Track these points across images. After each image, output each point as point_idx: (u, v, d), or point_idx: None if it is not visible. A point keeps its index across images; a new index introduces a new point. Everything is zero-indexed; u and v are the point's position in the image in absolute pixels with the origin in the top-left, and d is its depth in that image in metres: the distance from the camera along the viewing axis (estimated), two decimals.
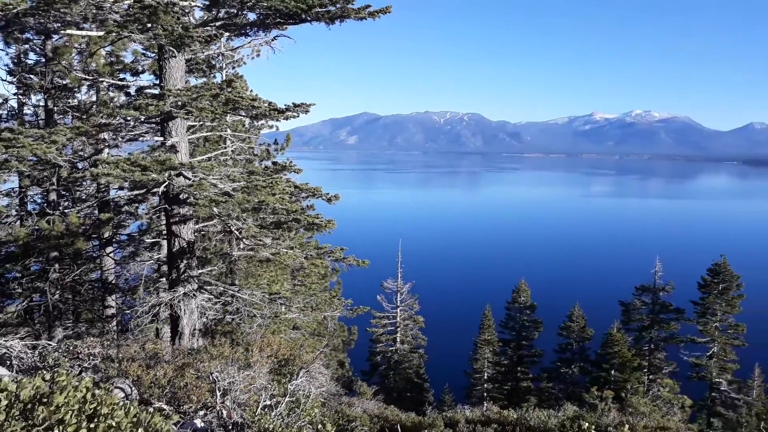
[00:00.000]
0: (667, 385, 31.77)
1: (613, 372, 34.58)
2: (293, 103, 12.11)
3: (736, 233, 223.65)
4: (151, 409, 8.76)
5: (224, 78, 17.13)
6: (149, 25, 11.52)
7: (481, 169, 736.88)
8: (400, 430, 14.62)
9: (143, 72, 17.80)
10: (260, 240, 13.07)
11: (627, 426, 7.23)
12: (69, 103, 18.37)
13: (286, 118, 12.56)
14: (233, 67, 17.67)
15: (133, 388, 8.66)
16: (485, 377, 41.18)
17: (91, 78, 16.16)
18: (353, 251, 16.74)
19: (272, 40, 13.58)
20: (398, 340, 39.84)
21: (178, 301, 13.49)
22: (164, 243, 15.96)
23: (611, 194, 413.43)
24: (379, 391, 35.53)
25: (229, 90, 11.94)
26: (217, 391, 8.69)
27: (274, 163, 14.39)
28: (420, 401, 36.56)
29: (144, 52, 17.21)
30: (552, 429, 12.23)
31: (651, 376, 35.98)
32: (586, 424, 7.22)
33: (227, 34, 13.88)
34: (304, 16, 12.04)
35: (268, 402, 9.11)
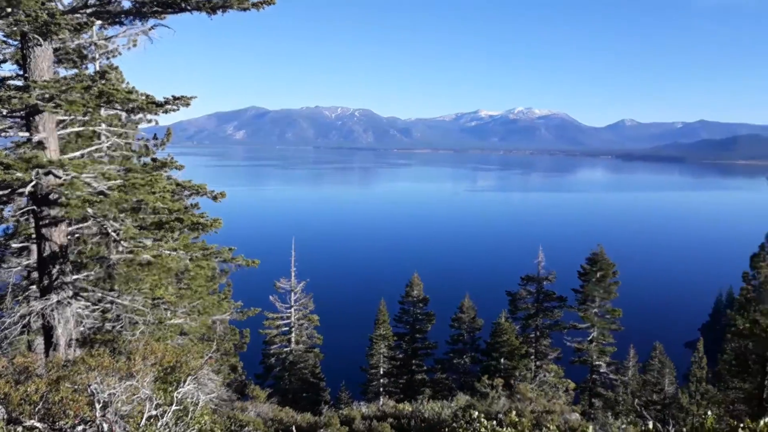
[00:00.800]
0: (553, 370, 33.48)
1: (502, 360, 35.96)
2: (173, 96, 11.46)
3: (611, 223, 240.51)
4: (20, 429, 7.96)
5: (97, 69, 15.99)
6: (8, 9, 10.50)
7: (374, 165, 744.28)
8: (295, 431, 14.32)
9: (5, 61, 16.28)
10: (140, 242, 12.30)
11: (514, 412, 7.41)
12: None
13: (166, 112, 11.87)
14: (107, 58, 16.53)
15: (0, 407, 7.90)
16: (381, 372, 41.53)
17: None
18: (243, 251, 16.19)
19: (150, 30, 12.79)
20: (293, 340, 39.28)
21: (52, 310, 12.47)
22: (34, 248, 14.80)
23: (497, 188, 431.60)
24: (274, 394, 34.85)
25: (103, 82, 11.12)
26: (97, 404, 8.10)
27: (154, 160, 13.59)
28: (316, 401, 36.24)
29: (5, 39, 15.73)
30: (445, 419, 12.43)
31: (538, 362, 37.77)
32: (476, 413, 7.34)
33: (100, 22, 12.91)
34: (183, 4, 11.43)
35: (154, 412, 8.58)
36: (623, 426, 12.65)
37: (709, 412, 7.27)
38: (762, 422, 6.54)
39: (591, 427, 8.07)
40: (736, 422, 6.88)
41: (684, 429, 7.12)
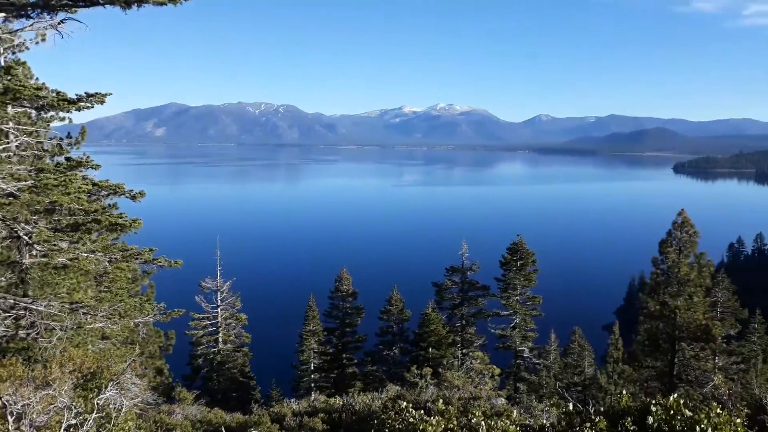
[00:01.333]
0: (478, 357, 34.34)
1: (430, 350, 36.59)
2: (86, 93, 10.99)
3: (531, 214, 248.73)
4: None
5: (2, 65, 15.09)
6: None
7: (299, 161, 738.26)
8: (224, 431, 14.11)
9: None
10: (55, 245, 11.73)
11: (441, 401, 7.62)
12: None
13: (79, 110, 11.37)
14: (13, 53, 15.62)
15: None
16: (312, 368, 41.39)
17: None
18: (165, 251, 15.74)
19: (59, 24, 12.18)
20: (221, 340, 38.52)
21: None
22: None
23: (422, 183, 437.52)
24: (203, 395, 34.10)
25: (9, 78, 10.54)
26: (9, 417, 7.71)
27: (68, 159, 12.98)
28: (247, 400, 35.72)
29: None
30: (375, 411, 12.59)
31: (464, 350, 38.68)
32: (404, 403, 7.50)
33: (3, 14, 12.20)
34: None
35: (73, 421, 8.27)
36: (546, 408, 13.20)
37: (624, 391, 7.72)
38: (671, 398, 7.00)
39: (515, 411, 8.39)
40: (648, 399, 7.33)
41: (601, 408, 7.53)
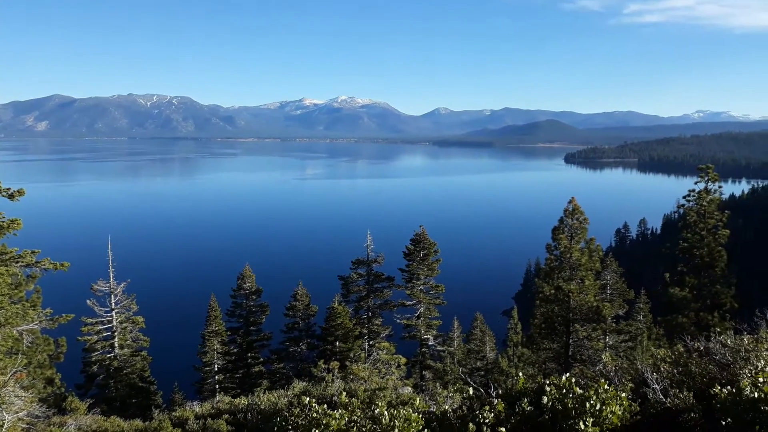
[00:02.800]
0: (385, 347, 34.74)
1: (337, 343, 36.59)
2: None
3: (432, 204, 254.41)
4: None
5: None
6: None
7: (196, 155, 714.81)
8: None
9: None
10: None
11: (344, 394, 7.61)
12: None
13: None
14: None
15: None
16: (216, 369, 40.28)
17: None
18: (51, 253, 14.74)
19: None
20: (116, 345, 36.63)
21: None
22: None
23: (325, 176, 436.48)
24: (99, 403, 32.34)
25: None
26: None
27: None
28: (147, 406, 34.20)
29: None
30: (281, 408, 12.42)
31: (371, 342, 38.98)
32: (308, 399, 7.44)
33: None
34: None
35: None
36: (450, 394, 13.52)
37: (521, 374, 8.05)
38: (564, 377, 7.36)
39: (419, 398, 8.53)
40: (543, 380, 7.66)
41: (499, 391, 7.80)
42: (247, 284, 40.48)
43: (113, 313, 36.22)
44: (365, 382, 14.91)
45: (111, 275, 35.85)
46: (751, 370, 8.55)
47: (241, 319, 41.09)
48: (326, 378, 17.34)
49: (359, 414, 6.87)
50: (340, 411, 6.85)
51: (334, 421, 6.68)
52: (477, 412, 6.74)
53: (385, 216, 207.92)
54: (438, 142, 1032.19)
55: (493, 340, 45.75)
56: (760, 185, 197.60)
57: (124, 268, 37.83)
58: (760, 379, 7.59)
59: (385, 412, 6.73)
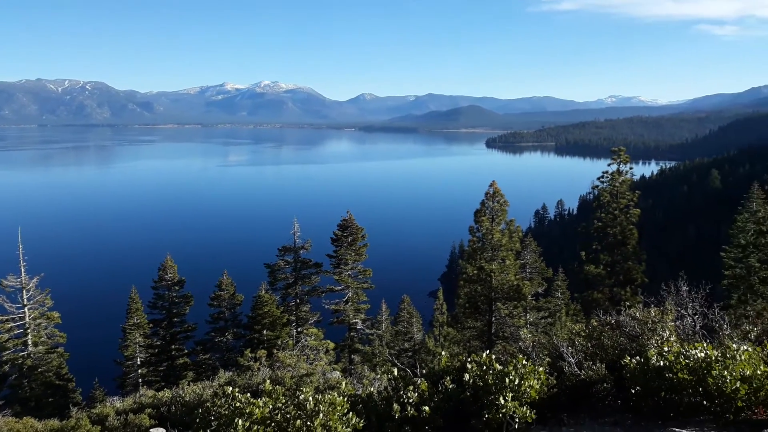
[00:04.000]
0: (313, 333, 34.64)
1: (265, 332, 36.20)
2: None
3: (359, 189, 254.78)
4: None
5: None
6: None
7: (112, 143, 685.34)
8: None
9: None
10: None
11: (268, 381, 7.58)
12: None
13: None
14: None
15: None
16: (138, 362, 39.04)
17: None
18: None
19: None
20: (30, 342, 34.82)
21: None
22: None
23: (248, 162, 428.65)
24: (11, 404, 30.79)
25: None
26: None
27: None
28: (65, 404, 32.80)
29: None
30: (206, 399, 12.20)
31: (299, 329, 38.78)
32: (230, 389, 7.34)
33: None
34: None
35: None
36: (378, 376, 13.69)
37: (444, 352, 8.23)
38: (484, 354, 7.59)
39: (344, 383, 8.58)
40: (465, 357, 7.87)
41: (424, 371, 7.95)
42: (169, 275, 39.33)
43: (25, 309, 34.40)
44: (292, 369, 14.86)
45: (22, 269, 34.00)
46: (657, 340, 9.09)
47: (164, 311, 39.94)
48: (252, 367, 17.14)
49: (284, 401, 6.84)
50: (264, 399, 6.80)
51: (257, 410, 6.62)
52: (401, 392, 6.85)
53: (312, 202, 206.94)
54: (364, 127, 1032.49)
55: (420, 321, 46.58)
56: (668, 166, 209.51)
57: (37, 262, 35.94)
58: (665, 348, 8.08)
59: (310, 398, 6.73)
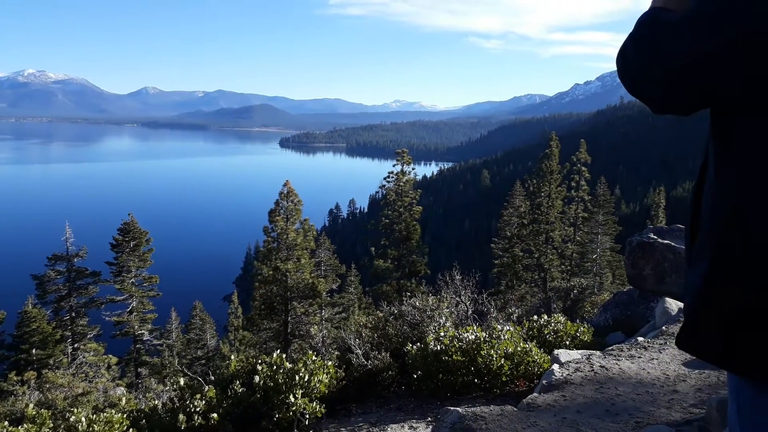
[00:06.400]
0: (92, 349, 31.80)
1: (34, 351, 32.36)
2: None
3: (143, 191, 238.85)
4: None
5: None
6: None
7: None
8: None
9: None
10: None
11: (31, 406, 6.78)
12: None
13: None
14: None
15: None
16: None
17: None
18: None
19: None
20: None
21: None
22: None
23: (11, 161, 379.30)
24: None
25: None
26: None
27: None
28: None
29: None
30: None
31: (76, 345, 35.28)
32: None
33: None
34: None
35: None
36: (166, 388, 13.01)
37: (233, 356, 8.07)
38: (275, 354, 7.59)
39: (125, 398, 8.01)
40: (255, 359, 7.80)
41: (213, 377, 7.73)
42: None
43: None
44: (66, 389, 13.46)
45: None
46: (435, 326, 9.85)
47: None
48: (19, 391, 15.24)
49: (51, 425, 6.15)
50: (25, 426, 6.05)
51: None
52: (188, 402, 6.57)
53: (88, 205, 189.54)
54: (148, 123, 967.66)
55: (214, 327, 45.17)
56: (446, 167, 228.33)
57: None
58: (442, 333, 8.78)
59: (83, 419, 6.14)
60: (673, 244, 15.65)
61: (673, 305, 10.56)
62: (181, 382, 7.28)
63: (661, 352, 7.45)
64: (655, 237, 16.13)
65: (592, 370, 6.80)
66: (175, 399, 6.93)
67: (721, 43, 1.14)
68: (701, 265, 1.26)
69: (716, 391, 5.76)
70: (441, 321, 9.97)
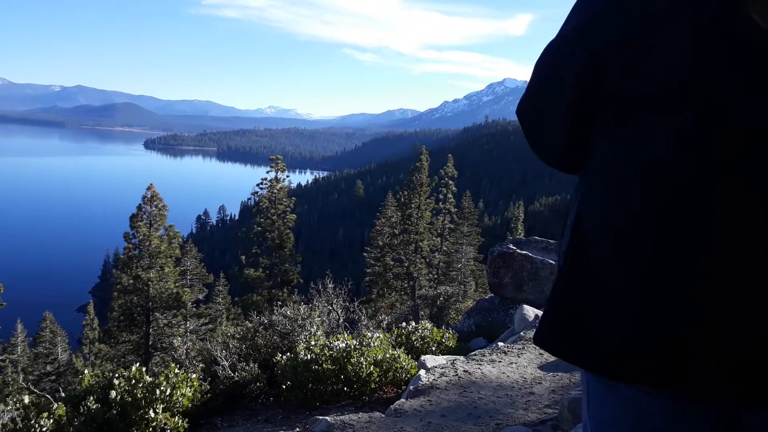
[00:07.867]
0: None
1: None
2: None
3: None
4: None
5: None
6: None
7: None
8: None
9: None
10: None
11: None
12: None
13: None
14: None
15: None
16: None
17: None
18: None
19: None
20: None
21: None
22: None
23: None
24: None
25: None
26: None
27: None
28: None
29: None
30: None
31: None
32: None
33: None
34: None
35: None
36: (9, 408, 11.84)
37: (87, 371, 7.52)
38: (133, 368, 7.17)
39: None
40: (112, 374, 7.32)
41: (63, 394, 7.15)
42: None
43: None
44: None
45: None
46: (305, 335, 9.79)
47: None
48: None
49: None
50: None
51: None
52: (33, 421, 6.03)
53: None
54: None
55: (66, 340, 41.88)
56: (321, 176, 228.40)
57: None
58: (312, 342, 8.74)
59: None
60: (530, 254, 16.73)
61: (530, 312, 11.26)
62: (26, 400, 6.67)
63: (519, 357, 7.92)
64: (515, 248, 17.17)
65: (457, 374, 7.08)
66: (18, 419, 6.34)
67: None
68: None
69: (568, 392, 6.22)
70: (312, 330, 9.94)
